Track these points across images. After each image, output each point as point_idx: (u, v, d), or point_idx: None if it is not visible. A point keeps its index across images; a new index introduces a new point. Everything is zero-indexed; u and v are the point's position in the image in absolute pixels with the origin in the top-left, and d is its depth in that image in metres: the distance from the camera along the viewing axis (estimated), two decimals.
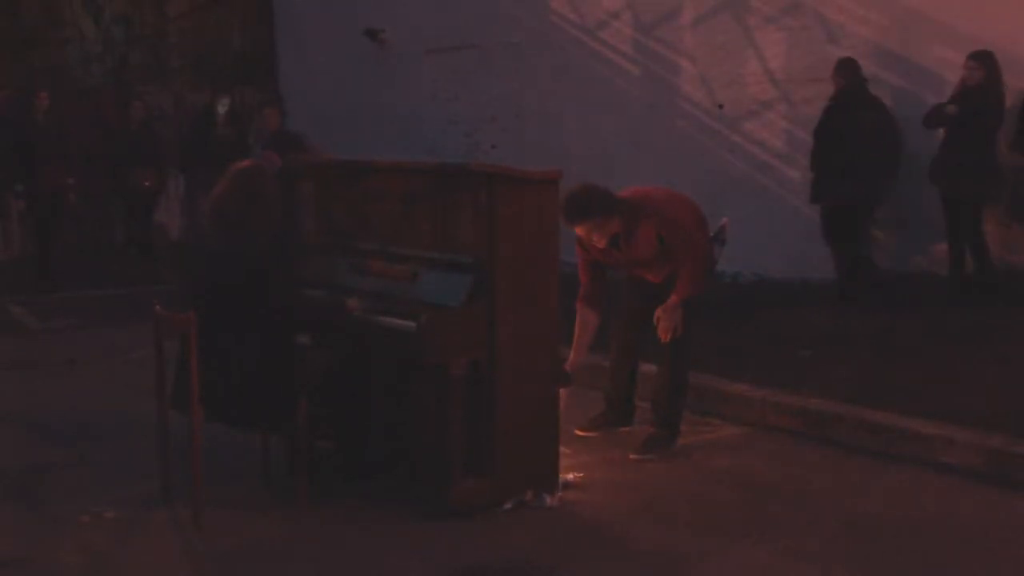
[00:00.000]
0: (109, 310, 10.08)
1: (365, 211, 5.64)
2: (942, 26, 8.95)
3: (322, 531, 4.85)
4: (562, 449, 5.36)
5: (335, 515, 5.01)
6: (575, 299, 5.85)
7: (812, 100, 9.48)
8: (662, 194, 5.95)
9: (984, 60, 8.26)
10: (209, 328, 4.80)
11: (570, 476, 5.36)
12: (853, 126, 8.73)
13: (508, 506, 5.04)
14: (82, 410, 6.87)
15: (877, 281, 8.81)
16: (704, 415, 6.51)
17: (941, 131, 8.50)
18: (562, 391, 5.45)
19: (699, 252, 5.74)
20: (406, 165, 5.76)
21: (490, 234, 4.91)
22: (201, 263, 5.11)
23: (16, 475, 5.67)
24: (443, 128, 12.65)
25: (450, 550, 4.66)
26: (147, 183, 12.75)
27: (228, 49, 15.07)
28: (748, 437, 6.24)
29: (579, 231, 5.55)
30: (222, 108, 12.50)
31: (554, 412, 5.23)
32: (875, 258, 9.14)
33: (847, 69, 8.89)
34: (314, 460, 5.15)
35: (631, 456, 5.79)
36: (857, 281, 8.83)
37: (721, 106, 10.41)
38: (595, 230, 5.54)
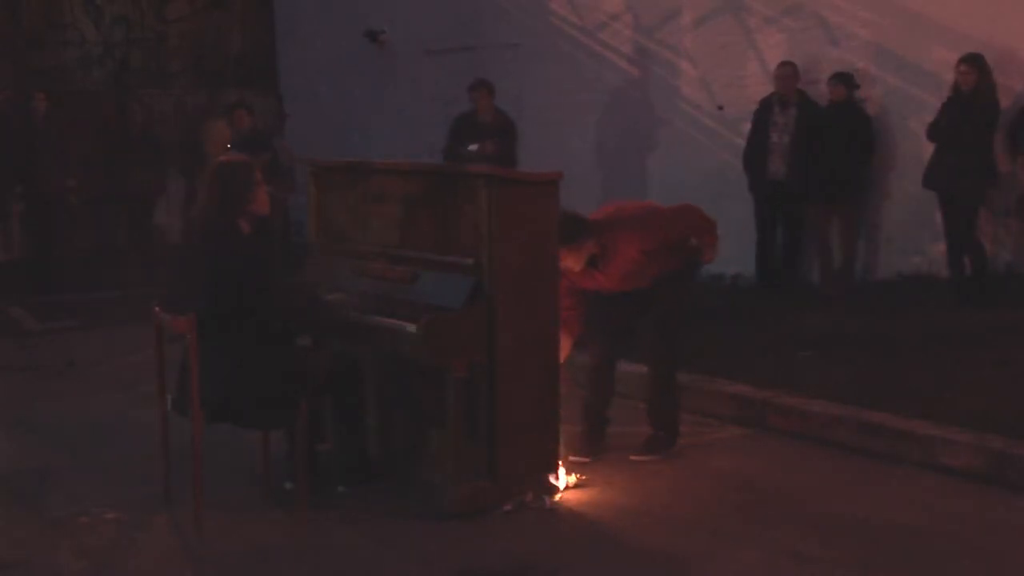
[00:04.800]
0: (109, 312, 10.08)
1: (365, 213, 5.64)
2: (942, 27, 8.95)
3: (322, 533, 4.85)
4: (562, 450, 5.36)
5: (335, 517, 5.01)
6: None
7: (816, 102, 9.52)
8: (637, 207, 5.90)
9: (975, 63, 8.28)
10: (207, 330, 4.81)
11: (570, 477, 5.36)
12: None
13: (508, 508, 5.03)
14: (82, 412, 6.86)
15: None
16: (704, 416, 6.51)
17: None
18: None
19: (698, 224, 5.78)
20: (406, 167, 5.76)
21: (490, 236, 4.91)
22: (198, 265, 5.11)
23: (16, 477, 5.67)
24: (443, 129, 12.64)
25: (450, 552, 4.66)
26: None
27: (228, 51, 15.07)
28: (748, 438, 6.24)
29: None
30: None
31: (554, 414, 5.23)
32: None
33: (843, 81, 9.13)
34: (314, 462, 5.15)
35: (632, 457, 5.79)
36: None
37: (721, 107, 10.41)
38: (569, 255, 5.44)
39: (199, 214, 5.09)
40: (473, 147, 9.83)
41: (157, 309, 5.07)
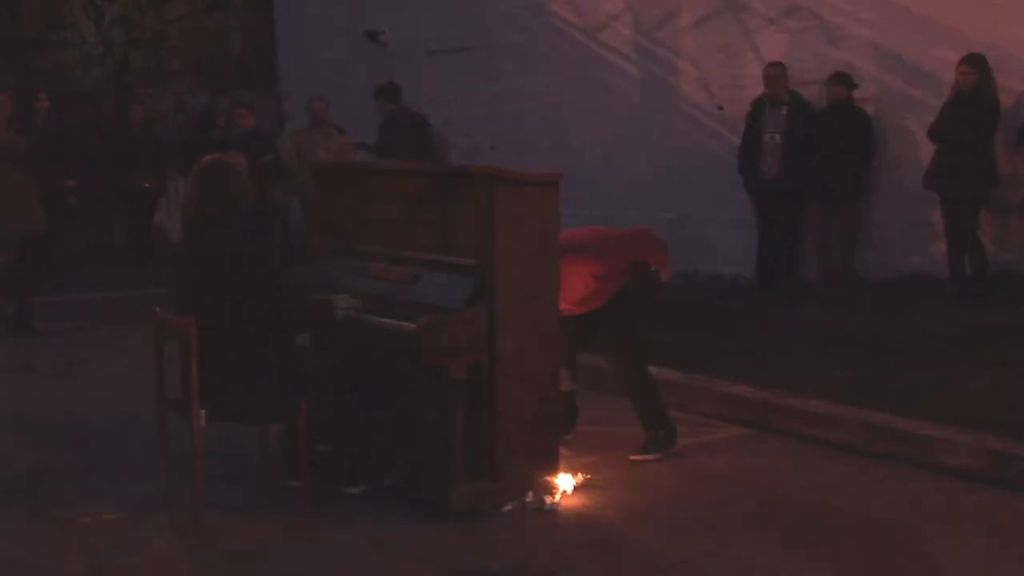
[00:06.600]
0: (109, 312, 10.07)
1: (366, 213, 5.64)
2: (942, 27, 8.95)
3: (322, 534, 4.85)
4: (562, 450, 5.36)
5: (335, 518, 5.01)
6: None
7: (812, 102, 9.51)
8: (588, 233, 5.86)
9: (976, 63, 8.28)
10: (207, 330, 4.80)
11: (571, 478, 5.35)
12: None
13: (508, 508, 5.04)
14: (81, 412, 6.86)
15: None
16: (704, 416, 6.51)
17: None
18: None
19: (650, 247, 5.79)
20: (406, 167, 5.75)
21: (490, 236, 4.91)
22: (193, 264, 5.11)
23: (16, 478, 5.66)
24: (442, 128, 12.65)
25: (450, 552, 4.66)
26: (147, 185, 12.77)
27: (228, 51, 15.07)
28: (748, 438, 6.24)
29: None
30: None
31: (555, 413, 5.23)
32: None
33: (842, 81, 9.17)
34: (314, 463, 5.15)
35: (631, 457, 5.79)
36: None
37: (721, 107, 10.42)
38: None
39: (192, 213, 5.08)
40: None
41: (157, 309, 5.07)
